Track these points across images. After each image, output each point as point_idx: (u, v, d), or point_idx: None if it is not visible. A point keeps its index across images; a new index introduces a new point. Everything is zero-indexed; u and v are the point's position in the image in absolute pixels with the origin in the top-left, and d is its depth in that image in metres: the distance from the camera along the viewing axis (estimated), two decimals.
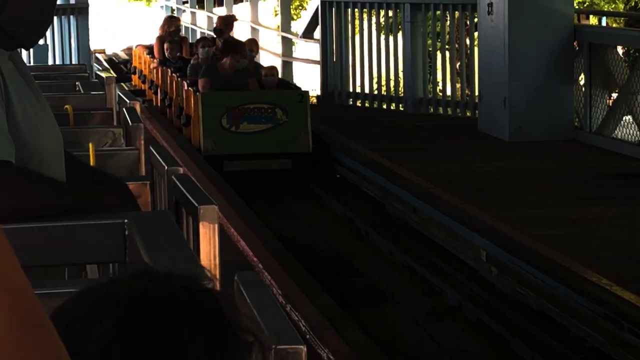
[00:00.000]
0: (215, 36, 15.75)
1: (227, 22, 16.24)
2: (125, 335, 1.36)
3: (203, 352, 1.38)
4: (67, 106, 5.15)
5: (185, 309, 1.41)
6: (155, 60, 16.22)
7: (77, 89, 6.49)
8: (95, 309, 1.39)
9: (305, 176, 11.76)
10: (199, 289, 1.45)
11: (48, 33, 15.51)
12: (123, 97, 6.17)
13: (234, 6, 28.86)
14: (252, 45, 15.01)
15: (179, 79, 13.59)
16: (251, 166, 11.32)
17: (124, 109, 5.32)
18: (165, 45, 15.68)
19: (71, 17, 16.03)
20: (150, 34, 36.04)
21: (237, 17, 18.93)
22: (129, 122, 4.85)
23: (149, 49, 17.95)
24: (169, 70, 14.61)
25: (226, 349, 1.40)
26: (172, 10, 35.02)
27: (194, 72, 13.43)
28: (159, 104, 15.35)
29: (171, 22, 17.59)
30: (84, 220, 2.76)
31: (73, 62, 15.18)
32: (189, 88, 12.46)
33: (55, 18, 15.57)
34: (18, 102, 2.66)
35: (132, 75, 19.69)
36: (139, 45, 19.89)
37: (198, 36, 23.44)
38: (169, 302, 1.40)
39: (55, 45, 15.99)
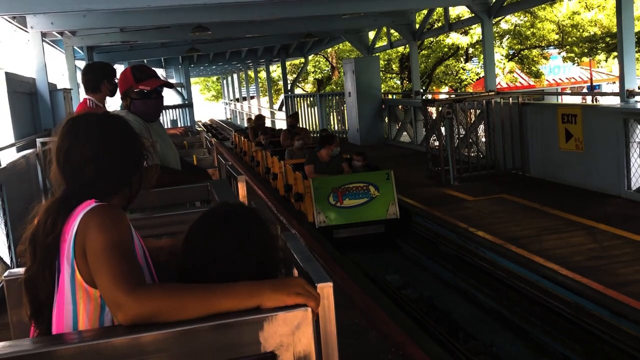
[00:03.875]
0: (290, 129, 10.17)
1: (296, 117, 10.52)
2: (214, 224, 1.21)
3: (258, 240, 1.20)
4: (184, 142, 5.13)
5: (247, 217, 1.24)
6: (252, 144, 10.72)
7: (189, 135, 6.39)
8: (206, 214, 1.26)
9: (395, 236, 6.71)
10: (255, 212, 1.28)
11: (177, 114, 14.90)
12: (207, 138, 5.94)
13: (252, 100, 27.81)
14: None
15: (280, 161, 8.25)
16: (354, 232, 6.68)
17: (208, 142, 5.25)
18: (261, 137, 10.14)
19: (185, 108, 15.40)
20: (217, 115, 35.04)
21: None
22: (210, 146, 4.75)
23: (242, 133, 12.69)
24: (268, 153, 9.11)
25: (270, 239, 1.23)
26: (227, 104, 33.53)
27: (290, 156, 8.28)
28: (261, 174, 9.59)
29: (260, 119, 12.08)
30: (195, 184, 2.65)
31: (187, 125, 14.60)
32: (296, 172, 7.32)
33: (181, 109, 14.97)
34: (160, 142, 2.63)
35: (235, 149, 13.42)
36: (235, 132, 13.90)
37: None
38: (242, 214, 1.25)
39: (180, 119, 15.38)
